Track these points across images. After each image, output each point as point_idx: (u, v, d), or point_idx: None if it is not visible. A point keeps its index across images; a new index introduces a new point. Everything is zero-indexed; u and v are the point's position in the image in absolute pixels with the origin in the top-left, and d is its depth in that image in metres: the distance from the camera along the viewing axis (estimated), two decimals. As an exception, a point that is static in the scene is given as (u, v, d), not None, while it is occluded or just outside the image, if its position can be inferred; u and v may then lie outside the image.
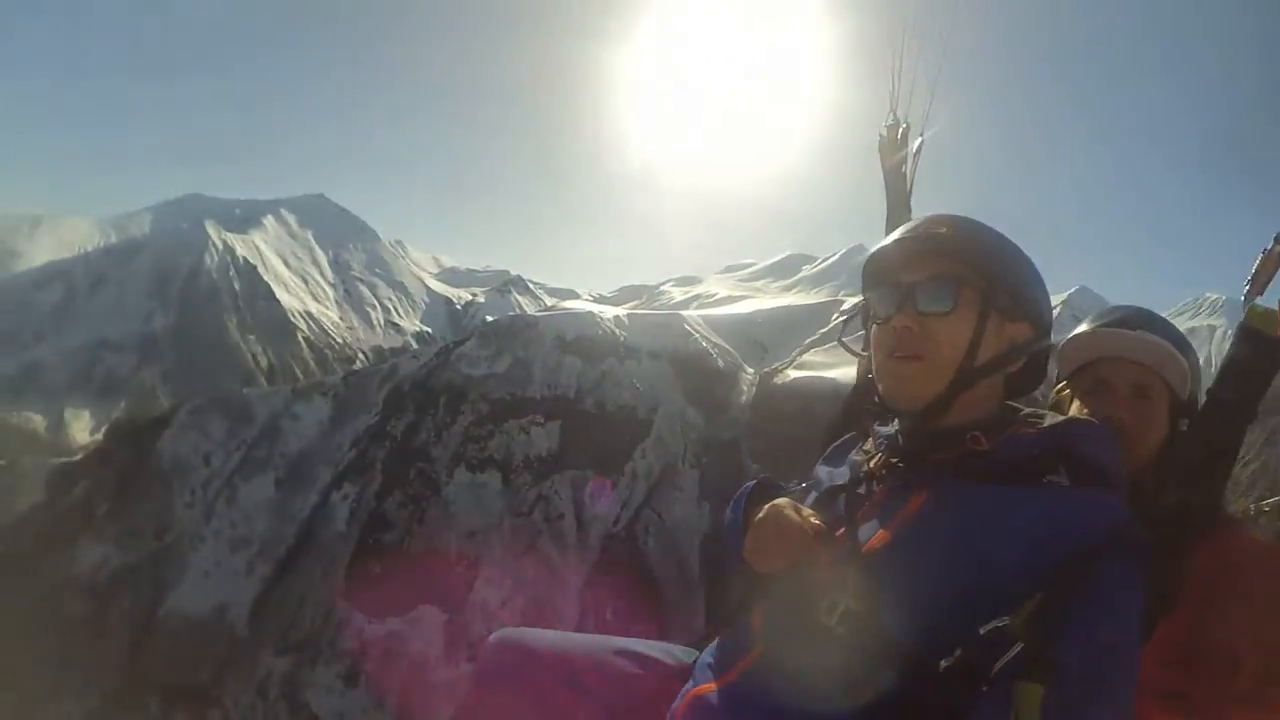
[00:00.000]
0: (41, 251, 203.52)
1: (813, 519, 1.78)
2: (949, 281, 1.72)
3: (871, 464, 1.86)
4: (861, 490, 1.84)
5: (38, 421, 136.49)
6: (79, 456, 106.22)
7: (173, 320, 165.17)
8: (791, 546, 1.74)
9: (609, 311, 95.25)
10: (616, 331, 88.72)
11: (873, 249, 1.95)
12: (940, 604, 1.53)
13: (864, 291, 1.96)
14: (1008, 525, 1.54)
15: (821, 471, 2.14)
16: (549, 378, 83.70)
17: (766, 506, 1.86)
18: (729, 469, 75.55)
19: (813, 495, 2.05)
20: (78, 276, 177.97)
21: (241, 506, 75.92)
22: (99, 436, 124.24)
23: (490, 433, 78.05)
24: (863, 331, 1.99)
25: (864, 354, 2.01)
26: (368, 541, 71.24)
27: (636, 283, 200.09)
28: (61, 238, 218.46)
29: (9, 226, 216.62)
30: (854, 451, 2.05)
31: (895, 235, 1.87)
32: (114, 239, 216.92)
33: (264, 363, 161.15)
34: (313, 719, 61.79)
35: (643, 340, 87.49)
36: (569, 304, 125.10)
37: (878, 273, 1.90)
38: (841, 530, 1.75)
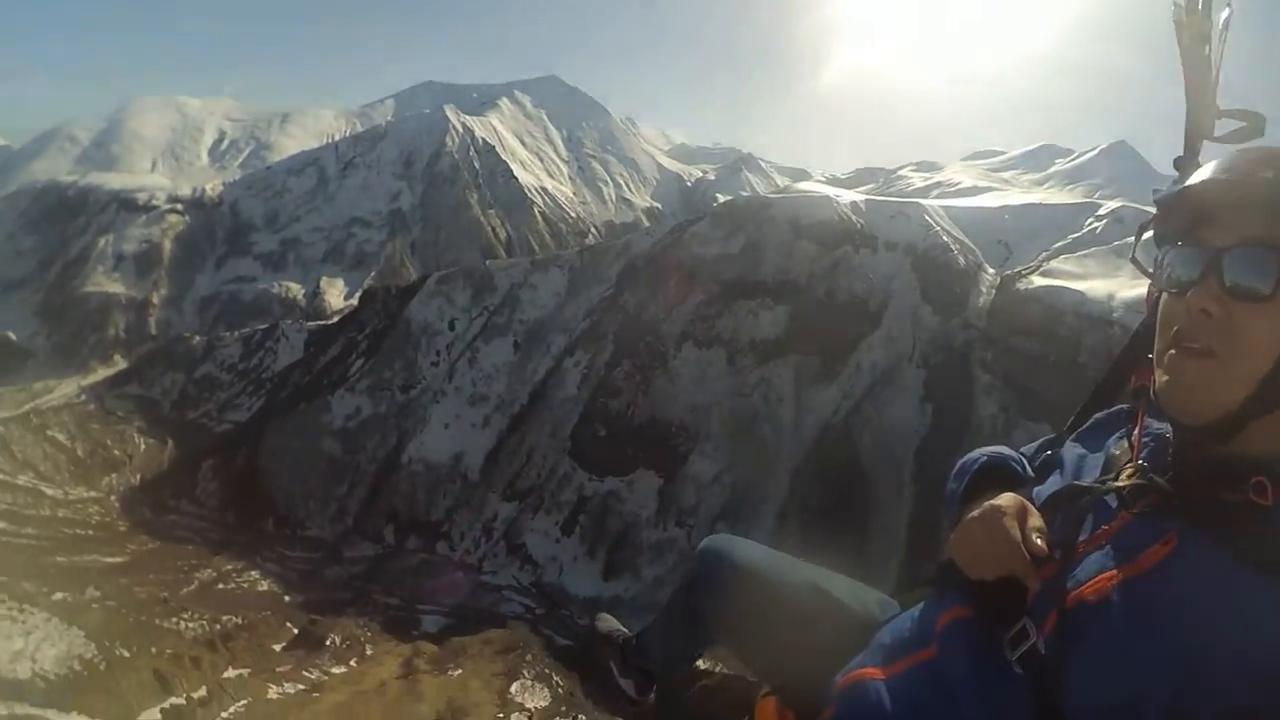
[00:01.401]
0: (293, 142, 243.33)
1: (1035, 533, 1.67)
2: (1272, 253, 1.43)
3: (1125, 474, 1.70)
4: (1111, 500, 1.70)
5: (296, 290, 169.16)
6: (334, 320, 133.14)
7: (418, 198, 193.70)
8: (999, 561, 1.68)
9: (845, 196, 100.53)
10: (853, 218, 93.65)
11: (1170, 189, 1.66)
12: (1140, 685, 1.40)
13: (1156, 233, 1.72)
14: (1266, 633, 1.31)
15: (1069, 452, 2.03)
16: (781, 262, 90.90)
17: (987, 503, 1.77)
18: (957, 375, 78.40)
19: (1052, 481, 1.98)
20: (328, 163, 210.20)
21: (481, 367, 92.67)
22: (352, 302, 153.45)
23: (719, 312, 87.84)
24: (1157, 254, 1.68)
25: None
26: (595, 405, 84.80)
27: (873, 165, 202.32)
28: (309, 129, 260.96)
29: (262, 121, 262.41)
30: (1116, 438, 1.90)
31: (1203, 174, 1.58)
32: (359, 127, 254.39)
33: (503, 235, 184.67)
34: (528, 559, 78.46)
35: (879, 228, 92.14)
36: (802, 185, 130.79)
37: (1175, 218, 1.63)
38: (1062, 553, 1.67)
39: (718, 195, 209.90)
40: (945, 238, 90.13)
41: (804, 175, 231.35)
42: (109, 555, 71.18)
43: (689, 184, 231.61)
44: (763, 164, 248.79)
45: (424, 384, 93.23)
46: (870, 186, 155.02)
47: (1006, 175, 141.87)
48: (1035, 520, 1.72)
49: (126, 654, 32.79)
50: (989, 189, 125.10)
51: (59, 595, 46.14)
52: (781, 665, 2.49)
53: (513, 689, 42.39)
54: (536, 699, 42.01)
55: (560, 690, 42.98)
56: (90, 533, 77.34)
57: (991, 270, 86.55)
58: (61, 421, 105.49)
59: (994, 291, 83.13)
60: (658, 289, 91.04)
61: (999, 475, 1.99)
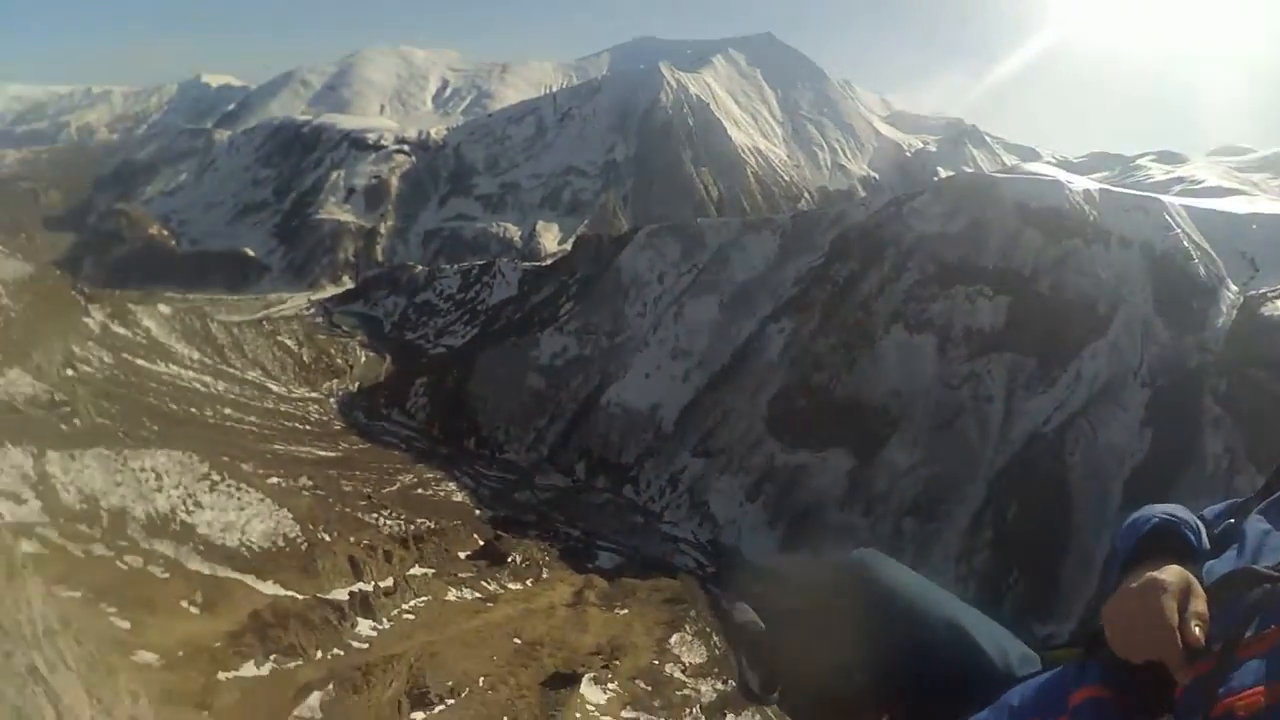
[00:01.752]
0: (512, 92, 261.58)
1: (1196, 620, 1.56)
2: None
3: None
4: None
5: (513, 231, 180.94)
6: (548, 262, 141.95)
7: (632, 151, 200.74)
8: (1150, 645, 1.57)
9: (1078, 183, 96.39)
10: (1086, 208, 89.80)
11: None
12: None
13: None
14: None
15: (1253, 527, 1.85)
16: (1005, 247, 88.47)
17: (1149, 575, 1.66)
18: (1184, 402, 73.45)
19: (1228, 557, 1.81)
20: (546, 113, 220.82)
21: (686, 322, 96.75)
22: (565, 246, 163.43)
23: (934, 295, 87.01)
24: None
25: None
26: (795, 375, 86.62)
27: (1109, 150, 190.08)
28: (528, 79, 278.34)
29: (483, 72, 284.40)
30: None
31: None
32: (575, 80, 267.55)
33: (714, 194, 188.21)
34: (709, 517, 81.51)
35: (1114, 222, 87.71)
36: (1031, 166, 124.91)
37: None
38: (1222, 648, 1.53)
39: (938, 169, 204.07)
40: (1186, 242, 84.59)
41: (1032, 155, 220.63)
42: (322, 449, 79.62)
43: (908, 154, 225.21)
44: (988, 139, 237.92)
45: (629, 332, 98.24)
46: (1105, 174, 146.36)
47: (1256, 178, 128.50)
48: (1198, 604, 1.60)
49: (327, 538, 37.77)
50: (1236, 191, 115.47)
51: (274, 480, 53.23)
52: (904, 697, 2.42)
53: (672, 639, 45.67)
54: (693, 654, 45.07)
55: (717, 652, 45.87)
56: (307, 428, 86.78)
57: (1234, 287, 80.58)
58: (291, 329, 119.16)
59: (1235, 312, 77.52)
60: (871, 263, 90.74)
61: (1170, 542, 1.86)
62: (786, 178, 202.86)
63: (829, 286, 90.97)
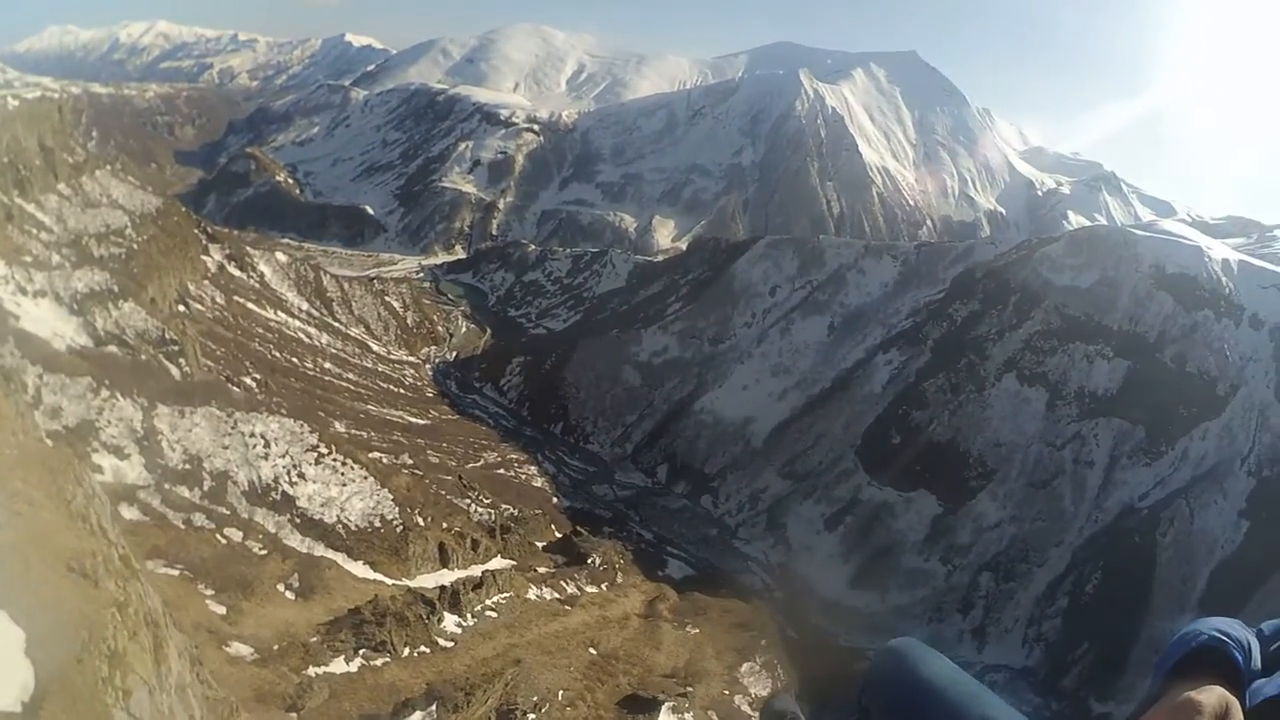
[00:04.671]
0: (646, 83, 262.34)
1: None
2: None
3: None
4: None
5: (629, 222, 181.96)
6: (659, 258, 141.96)
7: (760, 157, 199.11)
8: None
9: (1218, 250, 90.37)
10: (1223, 279, 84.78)
11: None
12: None
13: None
14: None
15: None
16: (1133, 309, 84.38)
17: (1186, 695, 1.65)
18: None
19: (1276, 683, 1.80)
20: (678, 108, 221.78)
21: (792, 340, 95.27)
22: (680, 244, 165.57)
23: (1053, 348, 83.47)
24: None
25: None
26: (897, 410, 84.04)
27: (1246, 214, 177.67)
28: (663, 73, 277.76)
29: (620, 60, 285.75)
30: None
31: None
32: (710, 78, 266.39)
33: (835, 209, 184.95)
34: (784, 540, 79.10)
35: (1249, 298, 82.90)
36: (1167, 223, 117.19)
37: None
38: None
39: (1068, 213, 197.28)
40: (1323, 334, 78.20)
41: (1168, 210, 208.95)
42: (413, 416, 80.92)
43: (1039, 193, 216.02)
44: (1124, 187, 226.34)
45: (734, 341, 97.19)
46: (1241, 241, 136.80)
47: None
48: None
49: (421, 523, 38.20)
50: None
51: (376, 455, 54.12)
52: None
53: (742, 669, 45.25)
54: (759, 686, 44.50)
55: (780, 685, 45.19)
56: (401, 391, 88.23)
57: (1372, 392, 74.26)
58: (399, 291, 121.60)
59: (1367, 422, 71.37)
60: (992, 306, 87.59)
61: (1216, 660, 1.82)
62: (911, 202, 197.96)
63: (945, 324, 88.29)
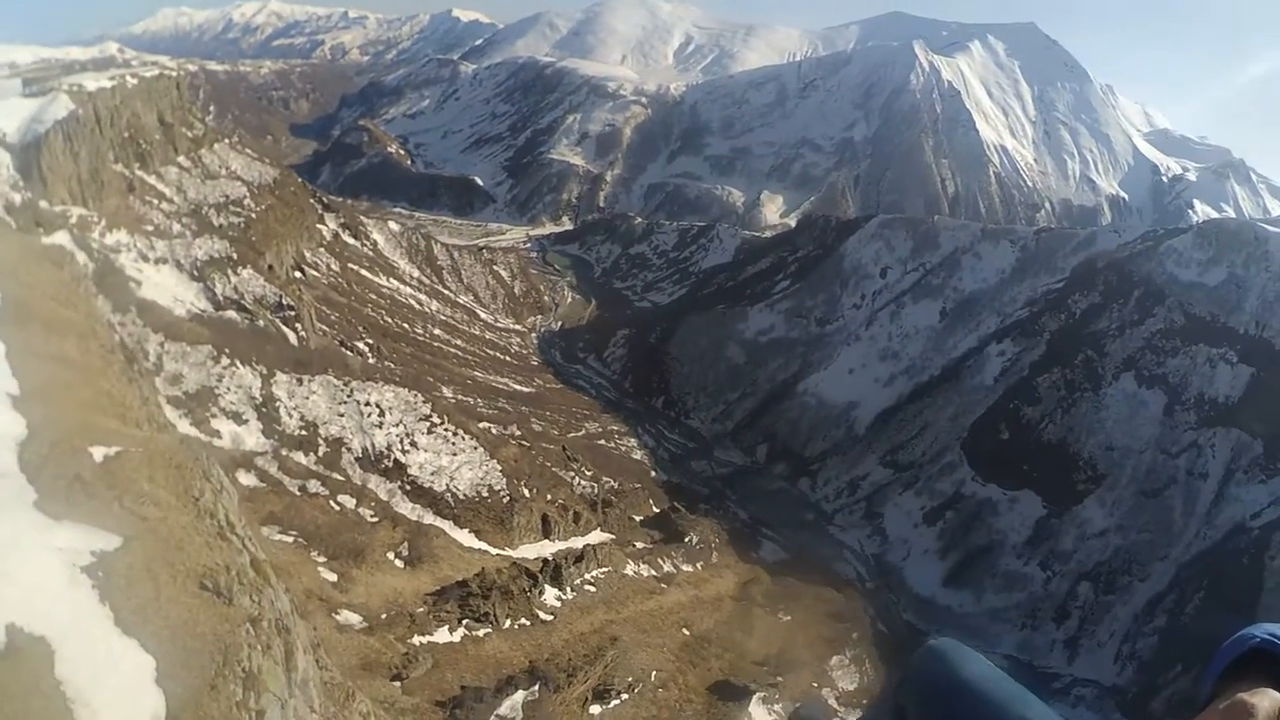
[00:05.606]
0: (754, 55, 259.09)
1: None
2: None
3: None
4: None
5: (737, 196, 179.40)
6: (767, 234, 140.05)
7: (872, 132, 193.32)
8: None
9: None
10: None
11: None
12: None
13: None
14: None
15: None
16: (1263, 311, 79.48)
17: (1239, 696, 1.64)
18: None
19: None
20: (789, 81, 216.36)
21: (902, 324, 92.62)
22: (788, 220, 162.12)
23: (1175, 349, 78.83)
24: None
25: None
26: (1007, 405, 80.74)
27: None
28: (772, 44, 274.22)
29: (728, 32, 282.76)
30: None
31: None
32: (821, 50, 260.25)
33: (950, 189, 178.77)
34: (880, 531, 77.94)
35: None
36: None
37: None
38: None
39: (1194, 201, 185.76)
40: None
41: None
42: (518, 383, 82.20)
43: (1164, 179, 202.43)
44: (1254, 176, 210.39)
45: (841, 323, 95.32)
46: None
47: None
48: None
49: (527, 494, 38.70)
50: None
51: (484, 424, 55.14)
52: None
53: (832, 661, 44.41)
54: (848, 680, 43.70)
55: (867, 680, 44.31)
56: (507, 359, 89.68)
57: None
58: (507, 261, 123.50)
59: None
60: (1114, 300, 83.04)
61: (1270, 663, 1.79)
62: (1030, 183, 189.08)
63: (1063, 316, 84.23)
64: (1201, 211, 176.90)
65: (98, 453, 6.33)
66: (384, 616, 18.27)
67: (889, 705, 2.83)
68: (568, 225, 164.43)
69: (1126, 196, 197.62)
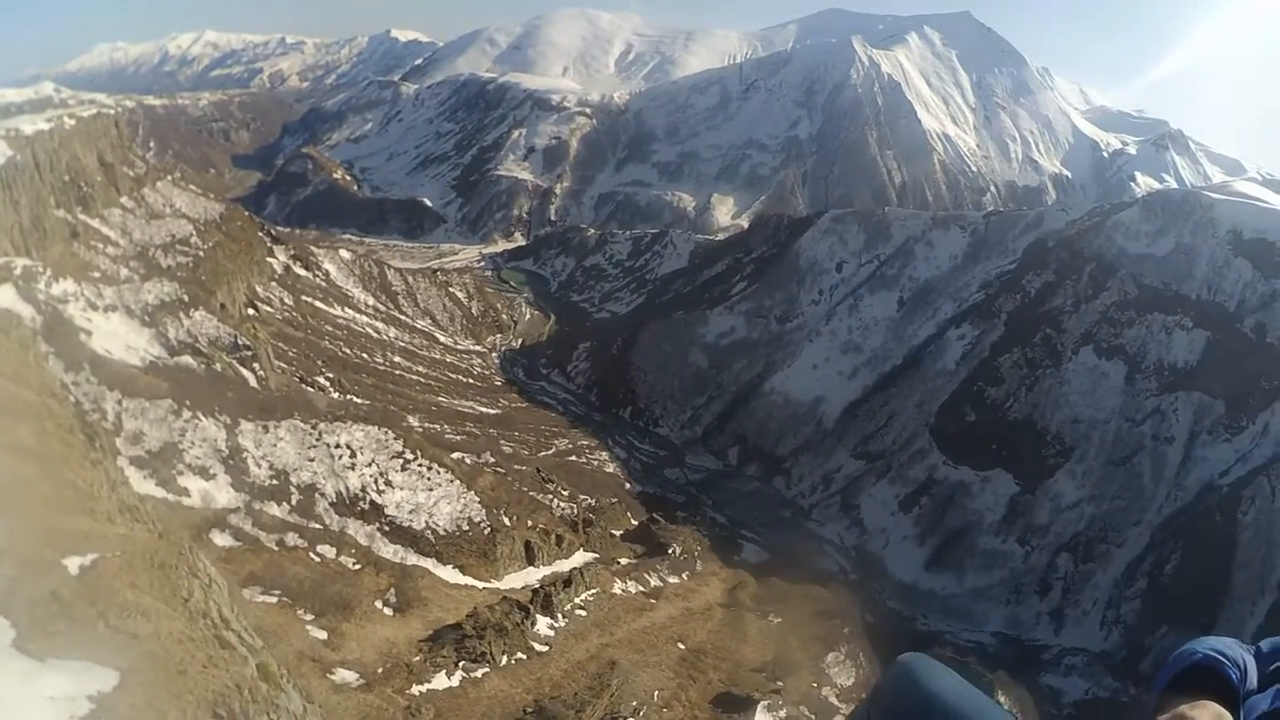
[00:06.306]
0: (695, 60, 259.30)
1: None
2: None
3: None
4: None
5: (687, 201, 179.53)
6: (720, 236, 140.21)
7: (817, 129, 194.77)
8: None
9: None
10: None
11: None
12: None
13: None
14: None
15: None
16: (1212, 278, 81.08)
17: (1181, 709, 1.72)
18: None
19: (1272, 693, 1.87)
20: (731, 83, 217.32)
21: (861, 317, 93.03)
22: (740, 222, 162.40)
23: (1130, 320, 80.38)
24: None
25: None
26: (971, 387, 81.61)
27: None
28: (712, 48, 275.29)
29: (667, 39, 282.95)
30: None
31: None
32: (761, 51, 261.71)
33: (897, 179, 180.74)
34: (858, 522, 77.91)
35: None
36: (1239, 184, 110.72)
37: None
38: None
39: (1136, 174, 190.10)
40: None
41: (1238, 168, 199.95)
42: (484, 405, 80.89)
43: (1105, 154, 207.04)
44: (1192, 145, 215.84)
45: (801, 320, 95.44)
46: None
47: None
48: None
49: (508, 522, 38.02)
50: None
51: (456, 454, 54.30)
52: None
53: (828, 659, 44.32)
54: (845, 676, 43.65)
55: (862, 674, 44.38)
56: (470, 381, 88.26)
57: None
58: (462, 282, 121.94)
59: None
60: (1067, 277, 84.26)
61: (1211, 678, 1.87)
62: (974, 168, 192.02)
63: (1018, 296, 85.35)
64: (1144, 184, 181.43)
65: (72, 564, 5.66)
66: (380, 670, 17.57)
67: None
68: (520, 241, 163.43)
69: (1069, 174, 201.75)
